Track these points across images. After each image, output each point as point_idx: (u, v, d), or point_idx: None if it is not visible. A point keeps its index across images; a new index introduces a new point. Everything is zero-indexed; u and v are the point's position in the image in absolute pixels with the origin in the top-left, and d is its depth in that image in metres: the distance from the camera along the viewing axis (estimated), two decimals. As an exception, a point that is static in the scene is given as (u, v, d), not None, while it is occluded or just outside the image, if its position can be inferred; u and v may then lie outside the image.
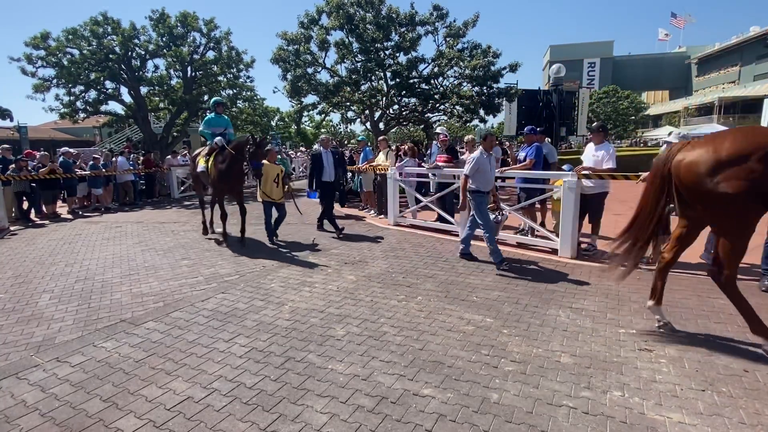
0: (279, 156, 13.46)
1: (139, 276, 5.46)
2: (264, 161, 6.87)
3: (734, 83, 49.49)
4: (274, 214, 7.28)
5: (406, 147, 9.95)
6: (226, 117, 7.61)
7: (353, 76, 17.19)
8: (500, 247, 6.48)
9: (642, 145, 40.20)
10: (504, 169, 7.25)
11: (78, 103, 17.61)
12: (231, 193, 7.21)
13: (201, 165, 7.18)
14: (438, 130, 9.73)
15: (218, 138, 6.93)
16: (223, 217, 7.14)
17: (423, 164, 8.76)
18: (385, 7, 16.29)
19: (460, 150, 9.91)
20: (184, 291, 4.84)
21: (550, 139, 23.25)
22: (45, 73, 16.94)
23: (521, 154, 7.04)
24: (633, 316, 3.88)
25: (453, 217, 7.48)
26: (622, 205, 9.86)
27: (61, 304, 4.51)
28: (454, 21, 16.82)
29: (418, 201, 8.54)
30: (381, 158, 9.56)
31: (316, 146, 13.87)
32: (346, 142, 34.27)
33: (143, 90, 18.89)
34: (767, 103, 28.87)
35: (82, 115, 17.92)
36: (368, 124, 19.13)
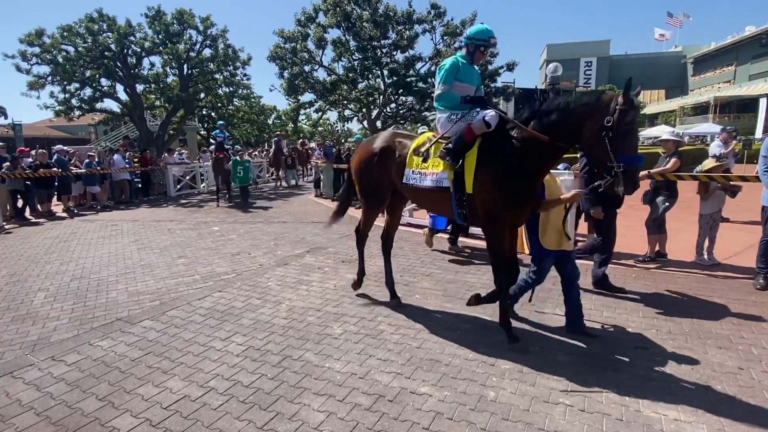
0: (236, 157, 11.83)
1: (135, 274, 5.43)
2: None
3: (730, 83, 49.70)
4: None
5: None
6: (477, 68, 3.80)
7: (350, 74, 17.19)
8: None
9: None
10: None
11: (73, 101, 17.53)
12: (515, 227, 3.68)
13: (439, 172, 3.48)
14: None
15: (490, 114, 3.26)
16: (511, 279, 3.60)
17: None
18: (383, 5, 16.28)
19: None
20: (180, 289, 4.82)
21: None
22: (40, 70, 16.87)
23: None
24: (629, 314, 3.89)
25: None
26: (618, 203, 9.90)
27: (57, 303, 4.49)
28: (452, 19, 16.88)
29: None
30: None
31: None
32: (343, 141, 34.19)
33: (139, 87, 18.83)
34: (762, 103, 29.04)
35: (77, 112, 17.85)
36: (365, 123, 19.12)
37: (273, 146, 16.95)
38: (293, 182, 16.88)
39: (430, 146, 3.63)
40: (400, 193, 4.05)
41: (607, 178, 2.84)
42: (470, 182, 3.27)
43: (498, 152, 3.23)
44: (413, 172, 3.70)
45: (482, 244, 6.29)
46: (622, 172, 2.73)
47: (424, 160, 3.62)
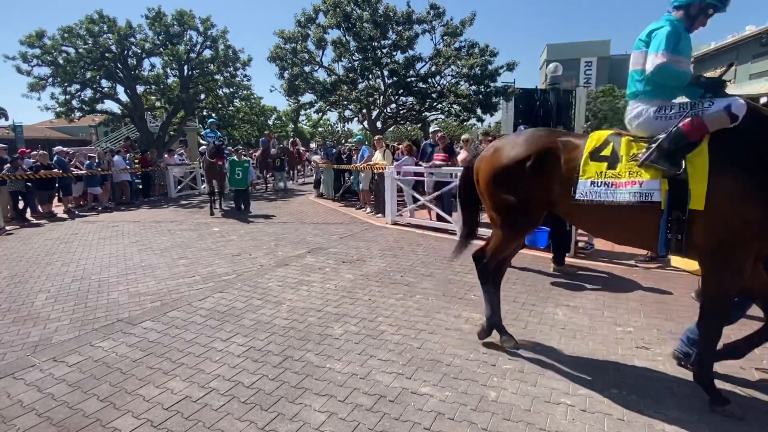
0: (234, 157, 10.80)
1: (135, 275, 5.43)
2: None
3: (730, 82, 49.65)
4: None
5: (403, 146, 9.98)
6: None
7: (350, 75, 17.19)
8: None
9: None
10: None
11: (74, 102, 17.54)
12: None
13: (645, 181, 2.46)
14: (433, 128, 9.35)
15: (738, 102, 2.35)
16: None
17: (420, 163, 8.76)
18: (382, 6, 16.29)
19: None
20: (181, 290, 4.82)
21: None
22: (40, 71, 16.88)
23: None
24: (630, 314, 3.89)
25: (451, 216, 7.49)
26: (618, 203, 9.90)
27: (58, 304, 4.49)
28: (451, 20, 16.87)
29: (415, 200, 8.53)
30: (378, 157, 9.57)
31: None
32: (343, 141, 34.21)
33: (139, 89, 18.83)
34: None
35: (78, 114, 17.86)
36: (365, 123, 19.14)
37: (260, 146, 15.74)
38: (281, 185, 15.33)
39: (618, 147, 2.63)
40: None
41: None
42: (702, 194, 2.29)
43: (759, 153, 2.26)
44: (594, 183, 2.60)
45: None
46: None
47: (611, 166, 2.59)
